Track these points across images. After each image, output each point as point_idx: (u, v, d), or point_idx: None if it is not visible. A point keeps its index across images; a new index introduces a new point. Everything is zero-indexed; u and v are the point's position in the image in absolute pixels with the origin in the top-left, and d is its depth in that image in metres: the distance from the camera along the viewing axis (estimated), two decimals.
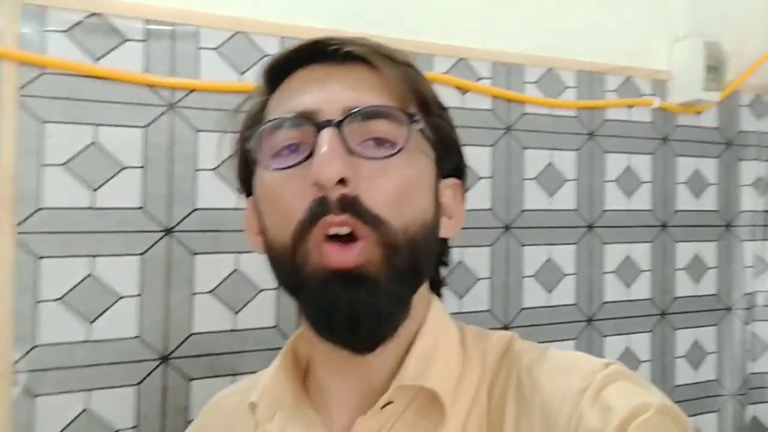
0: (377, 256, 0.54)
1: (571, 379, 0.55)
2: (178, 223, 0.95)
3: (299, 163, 0.55)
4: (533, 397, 0.56)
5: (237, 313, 0.99)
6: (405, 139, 0.56)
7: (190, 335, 0.96)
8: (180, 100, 0.96)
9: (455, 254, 1.13)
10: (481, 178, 1.17)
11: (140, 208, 0.93)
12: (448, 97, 0.67)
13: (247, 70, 1.00)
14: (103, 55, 0.92)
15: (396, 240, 0.54)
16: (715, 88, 1.34)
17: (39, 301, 0.88)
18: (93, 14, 0.91)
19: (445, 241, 0.67)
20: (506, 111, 1.20)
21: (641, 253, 1.33)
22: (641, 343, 1.33)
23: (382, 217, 0.54)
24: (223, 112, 0.96)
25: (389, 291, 0.54)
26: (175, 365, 0.95)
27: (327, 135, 0.53)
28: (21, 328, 0.87)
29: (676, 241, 1.37)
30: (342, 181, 0.52)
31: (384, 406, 0.57)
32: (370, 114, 0.56)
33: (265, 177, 0.59)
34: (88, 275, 0.91)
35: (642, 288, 1.33)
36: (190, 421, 0.93)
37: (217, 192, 0.98)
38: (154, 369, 0.94)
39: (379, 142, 0.56)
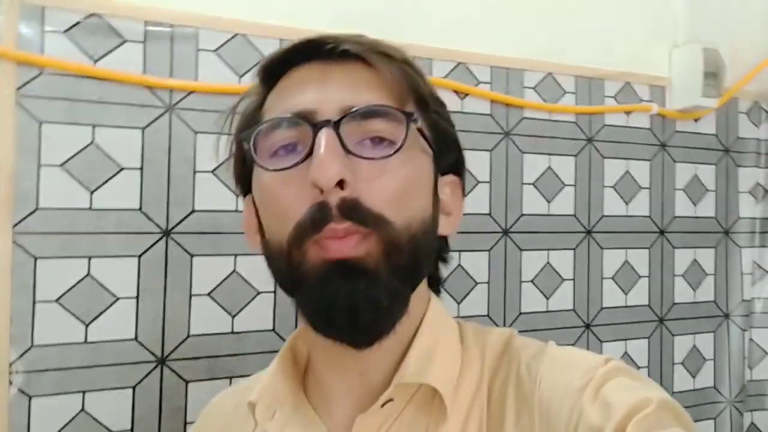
0: (378, 251, 0.54)
1: (571, 375, 0.55)
2: (177, 224, 0.95)
3: (297, 164, 0.55)
4: (533, 394, 0.56)
5: (235, 315, 0.99)
6: (403, 138, 0.56)
7: (188, 337, 0.96)
8: (179, 101, 0.96)
9: (453, 258, 1.13)
10: (479, 182, 1.17)
11: (138, 209, 0.93)
12: (446, 101, 0.67)
13: (246, 72, 1.00)
14: (102, 56, 0.92)
15: (398, 238, 0.54)
16: (714, 95, 1.34)
17: (36, 302, 0.88)
18: (92, 15, 0.91)
19: (444, 237, 0.67)
20: (505, 115, 1.20)
21: (639, 259, 1.33)
22: (639, 349, 1.32)
23: (384, 217, 0.54)
24: (222, 113, 0.96)
25: (389, 285, 0.54)
26: (172, 367, 0.95)
27: (325, 135, 0.53)
28: (18, 328, 0.86)
29: (675, 248, 1.37)
30: (341, 183, 0.52)
31: (384, 404, 0.57)
32: (367, 113, 0.56)
33: (262, 177, 0.58)
34: (86, 276, 0.90)
35: (640, 294, 1.33)
36: (187, 424, 0.94)
37: (216, 194, 0.98)
38: (152, 371, 0.94)
39: (377, 141, 0.56)
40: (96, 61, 0.92)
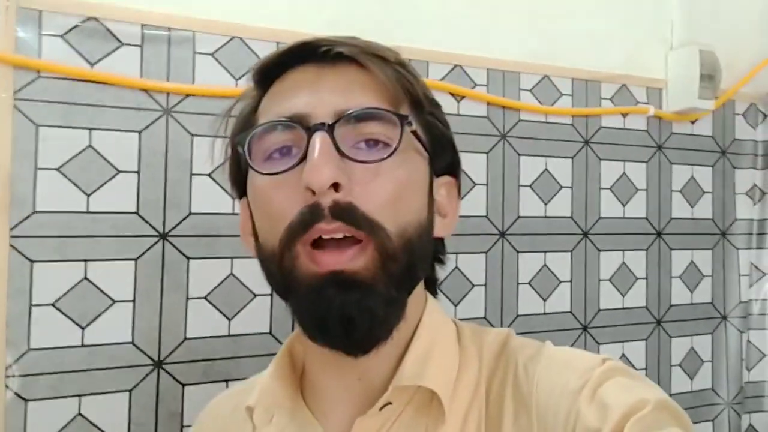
0: (373, 262, 0.53)
1: (568, 375, 0.55)
2: (173, 227, 0.95)
3: (291, 168, 0.55)
4: (531, 395, 0.56)
5: (231, 318, 0.99)
6: (398, 141, 0.55)
7: (184, 340, 0.96)
8: (176, 104, 0.96)
9: (450, 260, 1.13)
10: (476, 184, 1.17)
11: (135, 212, 0.93)
12: (443, 103, 0.67)
13: (243, 75, 1.00)
14: (99, 60, 0.92)
15: (392, 245, 0.54)
16: (710, 97, 1.34)
17: (32, 306, 0.87)
18: (89, 18, 0.91)
19: (440, 239, 0.67)
20: (502, 118, 1.20)
21: (636, 261, 1.34)
22: (636, 351, 1.32)
23: (378, 222, 0.53)
24: (218, 116, 0.96)
25: (384, 295, 0.54)
26: (169, 370, 0.95)
27: (319, 139, 0.53)
28: (14, 332, 0.86)
29: (672, 249, 1.37)
30: (335, 186, 0.52)
31: (383, 407, 0.57)
32: (361, 116, 0.55)
33: (256, 181, 0.58)
34: (82, 280, 0.90)
35: (637, 296, 1.33)
36: (184, 427, 0.94)
37: (212, 197, 0.98)
38: (148, 374, 0.93)
39: (372, 144, 0.56)
40: (93, 64, 0.92)
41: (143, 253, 0.93)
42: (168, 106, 0.95)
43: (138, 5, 0.94)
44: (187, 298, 0.96)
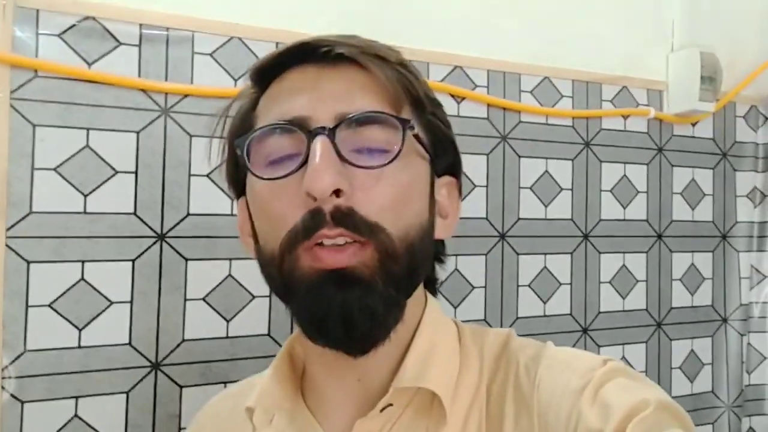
0: (373, 261, 0.53)
1: (569, 376, 0.55)
2: (171, 228, 0.95)
3: (292, 173, 0.54)
4: (532, 395, 0.56)
5: (230, 319, 0.98)
6: (400, 146, 0.55)
7: (182, 342, 0.95)
8: (174, 104, 0.95)
9: (450, 263, 1.12)
10: (476, 186, 1.17)
11: (133, 213, 0.93)
12: (443, 105, 0.66)
13: (242, 75, 0.99)
14: (97, 59, 0.91)
15: (394, 248, 0.54)
16: (711, 99, 1.34)
17: (29, 307, 0.87)
18: (87, 18, 0.90)
19: (440, 240, 0.67)
20: (502, 119, 1.20)
21: (637, 263, 1.33)
22: (636, 354, 1.32)
23: (379, 224, 0.53)
24: (215, 116, 0.96)
25: (384, 293, 0.53)
26: (166, 372, 0.94)
27: (319, 144, 0.52)
28: (10, 333, 0.86)
29: (672, 252, 1.37)
30: (336, 192, 0.52)
31: (383, 409, 0.57)
32: (363, 120, 0.55)
33: (256, 185, 0.58)
34: (79, 281, 0.90)
35: (637, 298, 1.33)
36: (181, 429, 0.93)
37: (211, 197, 0.97)
38: (146, 376, 0.93)
39: (374, 148, 0.55)
40: (91, 64, 0.91)
41: (141, 254, 0.93)
42: (166, 107, 0.95)
43: (136, 5, 0.93)
44: (185, 300, 0.95)
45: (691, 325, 1.39)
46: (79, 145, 0.90)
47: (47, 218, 0.88)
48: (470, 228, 1.16)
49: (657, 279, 1.35)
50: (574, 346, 1.23)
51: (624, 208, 1.32)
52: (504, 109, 1.20)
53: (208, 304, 0.97)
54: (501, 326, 1.18)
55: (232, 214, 0.98)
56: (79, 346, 0.89)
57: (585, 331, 1.26)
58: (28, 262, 0.87)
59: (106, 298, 0.91)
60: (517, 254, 1.21)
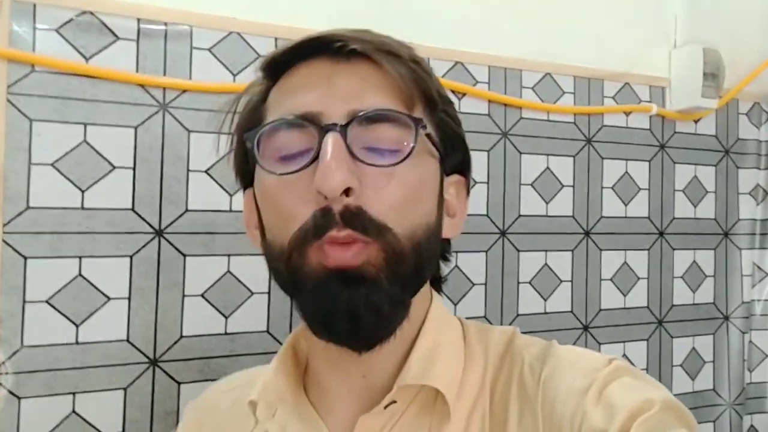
0: (378, 259, 0.53)
1: (574, 376, 0.55)
2: (169, 224, 0.94)
3: (302, 169, 0.54)
4: (536, 394, 0.56)
5: (228, 316, 0.98)
6: (412, 145, 0.55)
7: (181, 338, 0.95)
8: (172, 100, 0.94)
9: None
10: (477, 182, 1.16)
11: (131, 208, 0.92)
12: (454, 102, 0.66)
13: (241, 71, 0.99)
14: (95, 54, 0.91)
15: (401, 247, 0.54)
16: (714, 96, 1.33)
17: (26, 302, 0.86)
18: (84, 12, 0.90)
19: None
20: (503, 116, 1.19)
21: (638, 261, 1.32)
22: (638, 352, 1.31)
23: (387, 225, 0.53)
24: (216, 112, 0.95)
25: (390, 292, 0.53)
26: (164, 368, 0.94)
27: (331, 140, 0.52)
28: (7, 329, 0.85)
29: (674, 249, 1.36)
30: (346, 191, 0.52)
31: (387, 406, 0.57)
32: (375, 118, 0.55)
33: (265, 179, 0.57)
34: (77, 276, 0.89)
35: (639, 296, 1.32)
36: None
37: (209, 193, 0.97)
38: (144, 372, 0.93)
39: (385, 146, 0.55)
40: (88, 59, 0.90)
41: (139, 250, 0.93)
42: (164, 102, 0.94)
43: None
44: (183, 296, 0.95)
45: (692, 322, 1.38)
46: (77, 140, 0.90)
47: (44, 214, 0.87)
48: (471, 225, 1.15)
49: (658, 276, 1.34)
50: (574, 343, 1.23)
51: (625, 205, 1.31)
52: (505, 105, 1.19)
53: (207, 300, 0.96)
54: (501, 323, 1.17)
55: (230, 210, 0.97)
56: (77, 342, 0.89)
57: (586, 328, 1.25)
58: (25, 258, 0.87)
59: (103, 294, 0.91)
60: (518, 251, 1.20)
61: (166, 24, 0.95)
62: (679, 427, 0.48)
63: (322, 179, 0.51)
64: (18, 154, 0.86)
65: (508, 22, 1.21)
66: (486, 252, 1.17)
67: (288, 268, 0.55)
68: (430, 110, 0.60)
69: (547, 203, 1.23)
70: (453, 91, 1.14)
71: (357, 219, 0.52)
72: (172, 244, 0.94)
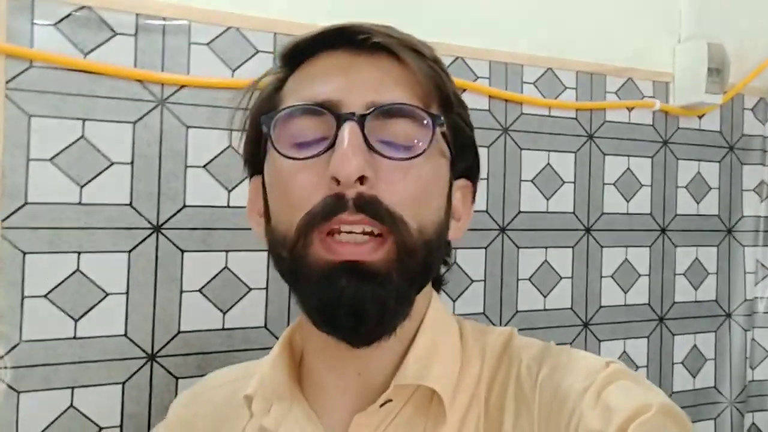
0: (391, 255, 0.53)
1: (572, 378, 0.55)
2: (167, 220, 0.94)
3: (318, 155, 0.54)
4: (533, 395, 0.56)
5: (226, 311, 0.98)
6: (429, 141, 0.55)
7: (178, 333, 0.95)
8: (170, 95, 0.94)
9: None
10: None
11: (129, 204, 0.92)
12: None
13: (239, 66, 0.99)
14: (93, 49, 0.91)
15: (412, 241, 0.54)
16: (718, 91, 1.32)
17: (25, 297, 0.87)
18: (82, 7, 0.90)
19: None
20: (503, 111, 1.19)
21: (640, 258, 1.32)
22: (638, 349, 1.31)
23: (401, 216, 0.53)
24: (215, 108, 0.95)
25: (398, 287, 0.54)
26: (162, 363, 0.94)
27: (348, 129, 0.52)
28: (6, 324, 0.86)
29: (676, 246, 1.36)
30: (361, 179, 0.52)
31: (383, 404, 0.57)
32: (393, 112, 0.55)
33: (279, 163, 0.57)
34: (75, 272, 0.89)
35: (640, 293, 1.32)
36: None
37: (207, 189, 0.97)
38: (141, 367, 0.93)
39: (401, 142, 0.55)
40: (86, 54, 0.90)
41: (137, 246, 0.93)
42: (162, 97, 0.94)
43: None
44: (181, 291, 0.95)
45: (694, 320, 1.37)
46: (75, 135, 0.90)
47: (43, 209, 0.88)
48: (470, 221, 1.15)
49: (660, 273, 1.34)
50: (574, 340, 1.22)
51: (627, 202, 1.30)
52: (506, 100, 1.19)
53: (204, 295, 0.97)
54: (500, 320, 1.17)
55: (228, 206, 0.97)
56: (75, 337, 0.89)
57: (586, 325, 1.25)
58: (24, 253, 0.87)
59: (101, 289, 0.91)
60: (518, 248, 1.20)
61: (164, 19, 0.94)
62: (676, 431, 0.48)
63: (339, 164, 0.51)
64: (16, 149, 0.86)
65: (509, 17, 1.20)
66: (485, 248, 1.17)
67: (291, 254, 0.55)
68: (445, 111, 0.60)
69: (547, 199, 1.22)
70: None
71: (370, 207, 0.52)
72: (170, 240, 0.94)
